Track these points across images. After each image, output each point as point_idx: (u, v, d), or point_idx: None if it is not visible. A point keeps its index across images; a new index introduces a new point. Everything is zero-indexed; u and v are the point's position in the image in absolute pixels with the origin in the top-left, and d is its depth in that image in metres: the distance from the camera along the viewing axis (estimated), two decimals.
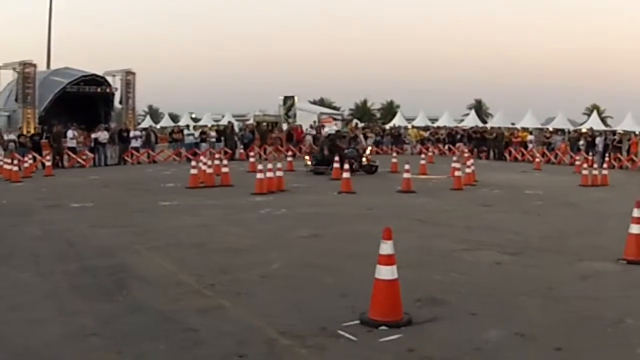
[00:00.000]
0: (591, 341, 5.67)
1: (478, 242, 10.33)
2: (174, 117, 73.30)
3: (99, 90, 36.49)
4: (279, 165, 18.98)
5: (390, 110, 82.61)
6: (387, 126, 51.49)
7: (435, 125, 53.09)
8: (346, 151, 23.11)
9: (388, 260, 5.96)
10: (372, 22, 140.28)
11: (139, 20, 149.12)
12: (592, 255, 9.37)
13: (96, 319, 6.18)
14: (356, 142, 26.34)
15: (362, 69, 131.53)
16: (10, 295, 7.07)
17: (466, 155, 28.89)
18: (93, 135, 29.10)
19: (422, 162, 24.33)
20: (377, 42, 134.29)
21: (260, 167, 17.74)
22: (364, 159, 23.48)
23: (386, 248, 5.98)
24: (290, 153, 29.91)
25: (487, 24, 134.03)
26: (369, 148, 26.57)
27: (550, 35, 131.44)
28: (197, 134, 34.24)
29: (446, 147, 38.02)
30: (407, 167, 18.57)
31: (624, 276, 8.21)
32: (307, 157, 25.00)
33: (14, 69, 33.40)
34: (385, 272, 5.93)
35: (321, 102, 76.75)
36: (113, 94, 37.59)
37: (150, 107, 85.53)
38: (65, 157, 28.06)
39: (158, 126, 55.98)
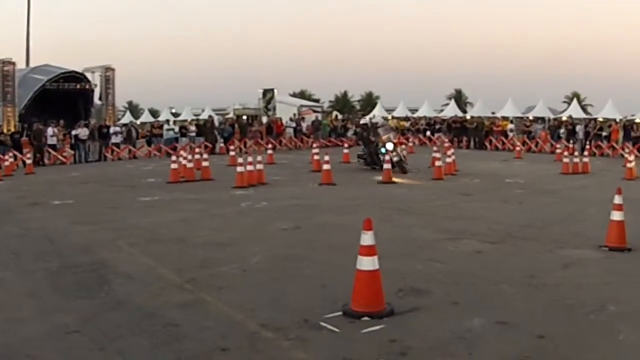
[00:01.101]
0: (574, 328, 5.70)
1: (459, 232, 10.36)
2: (154, 113, 72.77)
3: (78, 86, 36.17)
4: (259, 158, 18.92)
5: (370, 101, 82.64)
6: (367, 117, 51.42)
7: (415, 115, 53.20)
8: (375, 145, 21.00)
9: (369, 251, 5.95)
10: (351, 14, 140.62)
11: (117, 15, 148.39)
12: (573, 242, 9.43)
13: (78, 316, 6.15)
14: (376, 134, 21.29)
15: (342, 61, 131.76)
16: None
17: (446, 145, 28.90)
18: (73, 132, 28.87)
19: (403, 152, 24.26)
20: (356, 34, 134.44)
21: (240, 160, 17.70)
22: (386, 154, 19.46)
23: (367, 239, 5.97)
24: (270, 146, 29.85)
25: (466, 14, 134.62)
26: (390, 143, 20.47)
27: (530, 23, 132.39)
28: (177, 128, 34.02)
29: (426, 136, 38.07)
30: (387, 157, 18.57)
31: (605, 263, 8.27)
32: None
33: None
34: (367, 263, 5.93)
35: (301, 95, 76.52)
36: (92, 91, 37.26)
37: (130, 103, 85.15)
38: (46, 154, 27.84)
39: (138, 122, 55.57)
